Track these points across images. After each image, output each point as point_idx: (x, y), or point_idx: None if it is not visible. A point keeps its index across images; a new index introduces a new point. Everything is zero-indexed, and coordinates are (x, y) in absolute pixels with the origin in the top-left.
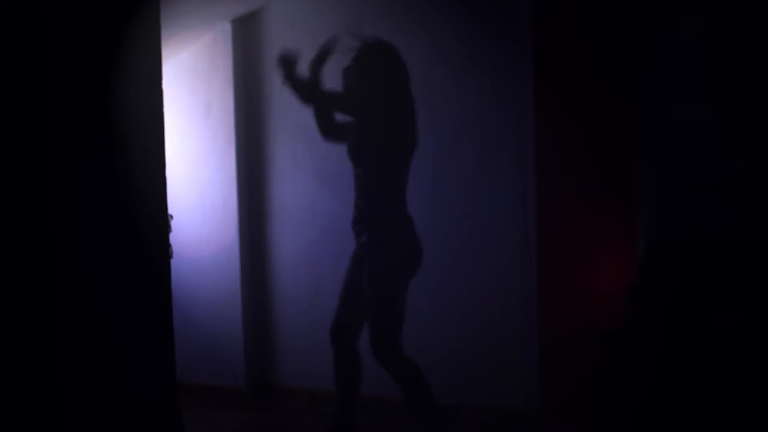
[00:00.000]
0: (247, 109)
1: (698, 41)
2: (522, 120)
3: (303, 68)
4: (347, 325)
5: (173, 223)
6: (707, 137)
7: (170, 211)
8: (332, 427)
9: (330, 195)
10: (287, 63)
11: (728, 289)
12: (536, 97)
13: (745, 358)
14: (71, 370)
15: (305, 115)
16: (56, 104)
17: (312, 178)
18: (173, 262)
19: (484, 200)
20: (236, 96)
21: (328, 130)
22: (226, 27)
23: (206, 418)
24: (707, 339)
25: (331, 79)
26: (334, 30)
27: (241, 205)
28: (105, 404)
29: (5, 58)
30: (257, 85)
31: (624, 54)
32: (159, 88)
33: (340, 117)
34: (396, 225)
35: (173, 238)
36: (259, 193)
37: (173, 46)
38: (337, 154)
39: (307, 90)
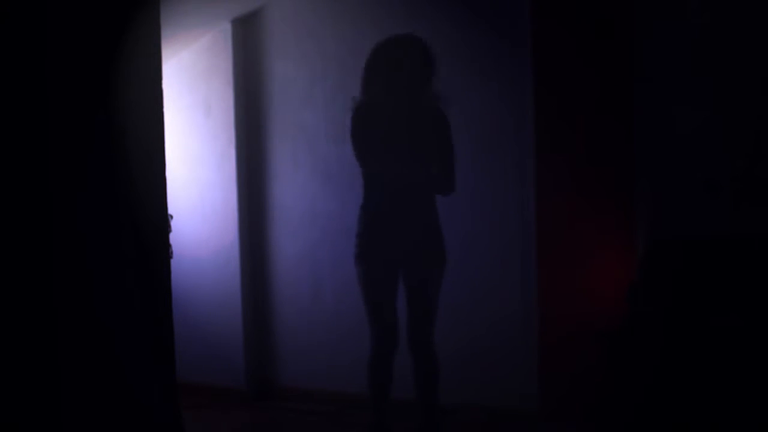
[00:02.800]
0: (247, 109)
1: (698, 41)
2: (522, 120)
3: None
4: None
5: (173, 223)
6: (707, 137)
7: (170, 211)
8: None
9: (330, 195)
10: None
11: (728, 289)
12: (536, 97)
13: (745, 358)
14: (71, 370)
15: (305, 115)
16: (56, 104)
17: (312, 178)
18: (173, 262)
19: (484, 200)
20: (236, 96)
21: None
22: (226, 27)
23: (206, 418)
24: (707, 339)
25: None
26: (333, 30)
27: (241, 205)
28: (105, 404)
29: (5, 58)
30: (257, 85)
31: (624, 53)
32: (159, 88)
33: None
34: (434, 219)
35: (173, 238)
36: (259, 193)
37: (173, 46)
38: (337, 154)
39: None
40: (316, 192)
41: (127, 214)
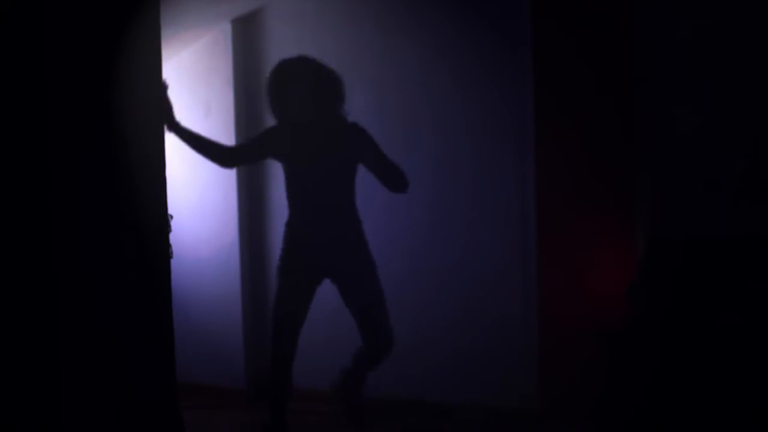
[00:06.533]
0: (247, 109)
1: (698, 41)
2: (522, 120)
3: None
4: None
5: (173, 223)
6: (707, 137)
7: (170, 211)
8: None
9: None
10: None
11: (728, 289)
12: (536, 97)
13: (745, 358)
14: (71, 370)
15: None
16: (56, 104)
17: None
18: (173, 262)
19: (484, 201)
20: (236, 96)
21: (226, 157)
22: (226, 27)
23: (206, 418)
24: (707, 339)
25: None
26: (333, 30)
27: (241, 205)
28: (105, 404)
29: (5, 59)
30: (257, 85)
31: (624, 54)
32: (159, 88)
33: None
34: (358, 228)
35: (173, 238)
36: (259, 193)
37: (173, 46)
38: None
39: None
40: None
41: (127, 215)
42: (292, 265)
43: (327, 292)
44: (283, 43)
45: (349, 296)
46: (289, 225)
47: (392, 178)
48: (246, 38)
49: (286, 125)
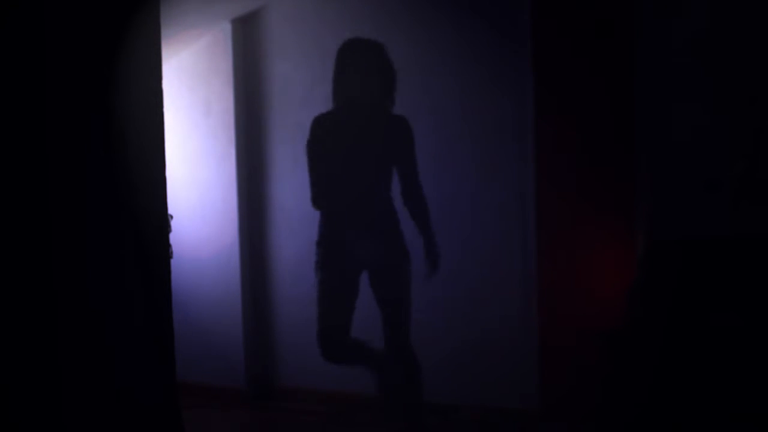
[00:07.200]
0: (247, 109)
1: (698, 41)
2: (522, 119)
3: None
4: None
5: (173, 223)
6: (707, 137)
7: (170, 211)
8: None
9: None
10: None
11: (728, 289)
12: (536, 97)
13: (746, 357)
14: (71, 370)
15: (305, 115)
16: (56, 104)
17: None
18: (173, 262)
19: (484, 200)
20: (236, 96)
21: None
22: (226, 27)
23: (206, 418)
24: (707, 339)
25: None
26: (333, 30)
27: (241, 205)
28: (105, 404)
29: (5, 58)
30: (257, 85)
31: (624, 53)
32: (159, 88)
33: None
34: (395, 221)
35: (173, 238)
36: (259, 193)
37: (173, 46)
38: None
39: None
40: None
41: (127, 215)
42: (330, 261)
43: None
44: (283, 43)
45: (381, 287)
46: (324, 216)
47: (415, 189)
48: (246, 38)
49: (336, 110)
